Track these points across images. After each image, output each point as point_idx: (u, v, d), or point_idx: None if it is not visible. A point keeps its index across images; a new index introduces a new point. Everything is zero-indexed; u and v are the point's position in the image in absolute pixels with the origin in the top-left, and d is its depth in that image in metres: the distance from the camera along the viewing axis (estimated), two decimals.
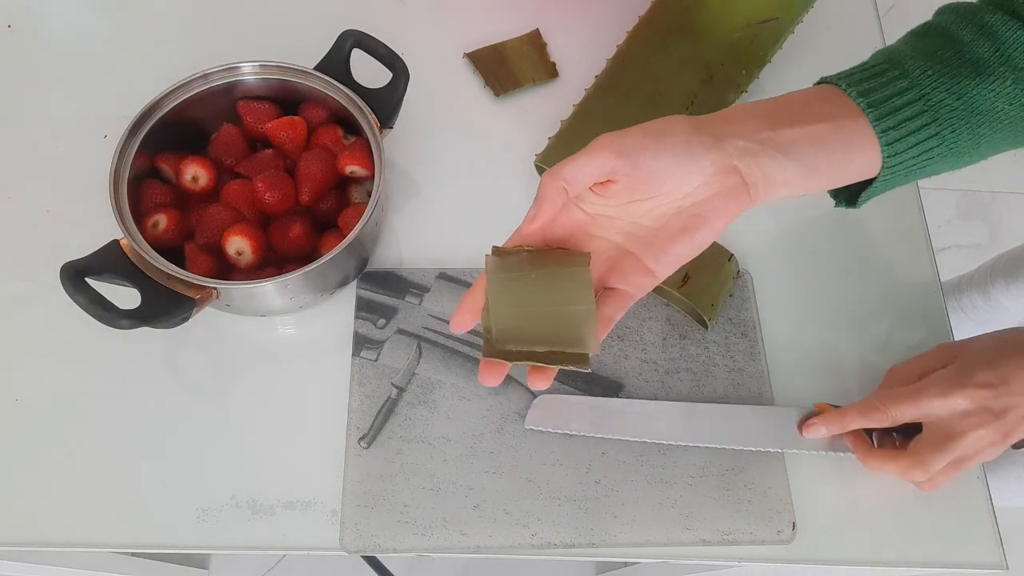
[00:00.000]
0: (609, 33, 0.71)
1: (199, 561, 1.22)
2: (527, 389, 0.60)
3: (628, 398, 0.59)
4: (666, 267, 0.45)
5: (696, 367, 0.61)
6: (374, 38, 0.62)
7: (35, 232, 0.65)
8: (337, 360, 0.61)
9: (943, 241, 1.54)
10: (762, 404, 0.59)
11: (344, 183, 0.62)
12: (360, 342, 0.61)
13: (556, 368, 0.42)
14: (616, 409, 0.58)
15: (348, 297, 0.63)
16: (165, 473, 0.57)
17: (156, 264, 0.54)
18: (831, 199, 0.52)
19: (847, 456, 0.58)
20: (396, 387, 0.60)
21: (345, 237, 0.56)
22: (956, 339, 0.60)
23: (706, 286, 0.61)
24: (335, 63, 0.62)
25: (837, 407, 0.57)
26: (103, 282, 0.53)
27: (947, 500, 0.57)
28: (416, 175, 0.69)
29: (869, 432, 0.57)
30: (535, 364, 0.42)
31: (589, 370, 0.42)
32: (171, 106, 0.60)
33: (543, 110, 0.71)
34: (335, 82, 0.61)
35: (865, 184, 0.47)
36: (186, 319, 0.54)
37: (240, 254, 0.58)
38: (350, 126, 0.63)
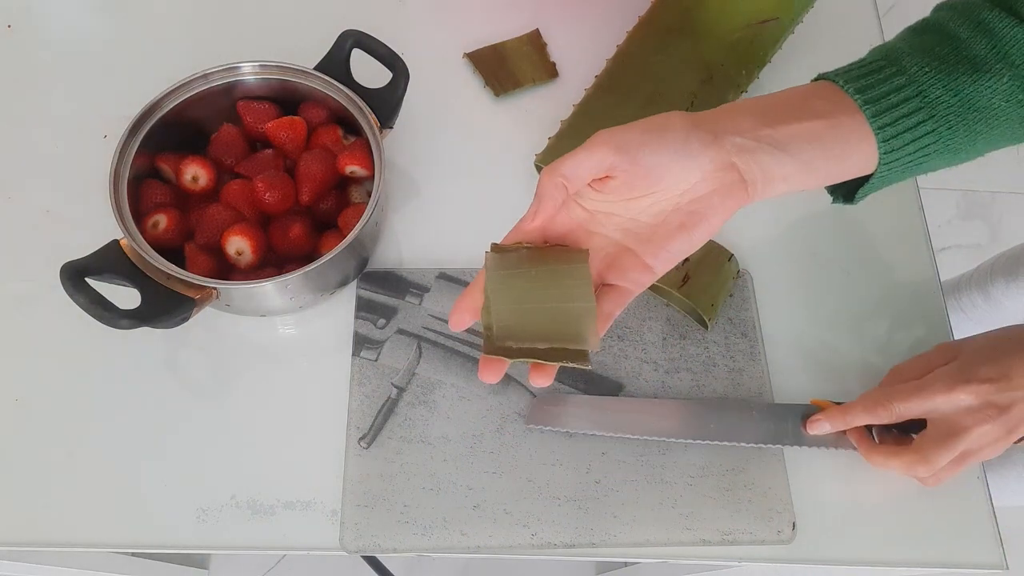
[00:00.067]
0: (609, 33, 0.71)
1: (199, 561, 1.22)
2: (527, 389, 0.60)
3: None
4: (664, 263, 0.45)
5: (696, 367, 0.61)
6: (374, 38, 0.62)
7: (35, 232, 0.65)
8: (337, 360, 0.61)
9: (943, 241, 1.54)
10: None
11: (344, 183, 0.62)
12: (360, 342, 0.61)
13: (557, 366, 0.42)
14: (616, 407, 0.58)
15: (348, 297, 0.63)
16: (165, 473, 0.57)
17: (156, 264, 0.54)
18: (829, 197, 0.52)
19: (847, 457, 0.58)
20: (396, 387, 0.60)
21: (345, 237, 0.56)
22: (956, 339, 0.60)
23: (706, 286, 0.61)
24: (335, 63, 0.62)
25: (836, 403, 0.57)
26: (103, 282, 0.53)
27: (947, 500, 0.57)
28: (416, 175, 0.69)
29: (869, 429, 0.57)
30: (535, 361, 0.42)
31: (590, 366, 0.42)
32: (171, 106, 0.60)
33: (543, 110, 0.71)
34: (335, 82, 0.61)
35: (863, 180, 0.47)
36: (186, 319, 0.54)
37: (240, 254, 0.58)
38: (350, 126, 0.63)
